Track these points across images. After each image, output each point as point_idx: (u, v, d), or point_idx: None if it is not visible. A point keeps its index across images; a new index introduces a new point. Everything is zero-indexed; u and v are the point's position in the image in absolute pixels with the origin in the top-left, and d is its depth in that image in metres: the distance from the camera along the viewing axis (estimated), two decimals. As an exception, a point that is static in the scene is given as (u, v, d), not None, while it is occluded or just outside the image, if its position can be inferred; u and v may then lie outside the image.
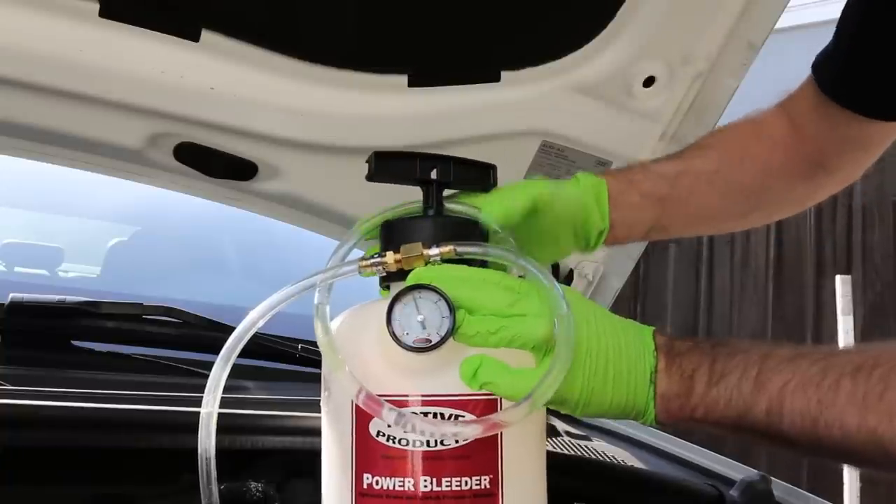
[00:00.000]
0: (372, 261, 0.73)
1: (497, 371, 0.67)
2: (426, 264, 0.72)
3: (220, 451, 0.73)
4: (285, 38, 1.10)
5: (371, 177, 0.78)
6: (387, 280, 0.76)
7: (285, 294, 0.73)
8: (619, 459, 1.37)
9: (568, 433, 1.44)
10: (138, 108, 1.12)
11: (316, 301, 0.73)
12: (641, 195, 0.91)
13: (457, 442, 0.69)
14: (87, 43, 1.03)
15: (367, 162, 0.78)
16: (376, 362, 0.71)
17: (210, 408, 0.72)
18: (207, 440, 0.72)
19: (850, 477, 3.10)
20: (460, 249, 0.72)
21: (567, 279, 1.38)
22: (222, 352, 0.73)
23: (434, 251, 0.72)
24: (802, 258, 4.13)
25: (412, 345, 0.67)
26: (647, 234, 0.96)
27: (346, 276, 0.74)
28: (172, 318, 1.34)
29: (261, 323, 0.73)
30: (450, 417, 0.69)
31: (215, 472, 0.72)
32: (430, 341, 0.67)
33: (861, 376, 0.65)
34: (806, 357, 0.69)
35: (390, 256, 0.73)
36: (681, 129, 1.26)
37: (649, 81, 1.20)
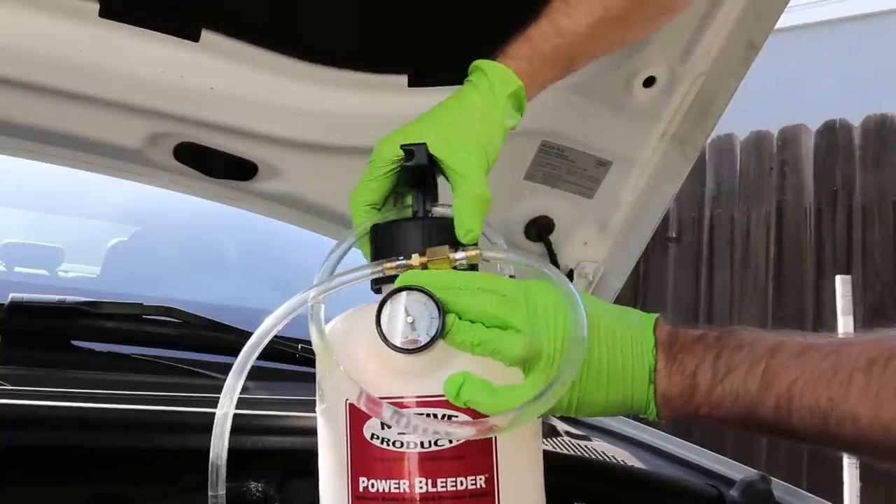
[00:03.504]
0: (397, 263, 0.72)
1: (480, 389, 0.67)
2: (453, 268, 0.71)
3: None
4: (285, 38, 1.10)
5: (411, 167, 0.75)
6: (378, 283, 0.75)
7: (300, 299, 0.72)
8: (619, 459, 1.37)
9: (568, 433, 1.44)
10: (138, 108, 1.12)
11: (310, 302, 0.72)
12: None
13: (451, 442, 0.68)
14: (87, 43, 1.03)
15: (409, 149, 0.75)
16: (370, 364, 0.70)
17: (224, 411, 0.72)
18: (220, 441, 0.71)
19: (850, 477, 3.10)
20: (487, 254, 0.72)
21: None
22: (237, 360, 0.73)
23: (461, 255, 0.71)
24: (802, 258, 4.11)
25: (401, 346, 0.67)
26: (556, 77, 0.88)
27: (367, 279, 0.73)
28: (172, 318, 1.33)
29: (279, 328, 0.73)
30: (443, 418, 0.69)
31: (225, 476, 0.71)
32: (420, 342, 0.66)
33: (875, 370, 0.62)
34: (816, 350, 0.66)
35: (416, 259, 0.71)
36: (681, 129, 1.26)
37: (649, 81, 1.20)
